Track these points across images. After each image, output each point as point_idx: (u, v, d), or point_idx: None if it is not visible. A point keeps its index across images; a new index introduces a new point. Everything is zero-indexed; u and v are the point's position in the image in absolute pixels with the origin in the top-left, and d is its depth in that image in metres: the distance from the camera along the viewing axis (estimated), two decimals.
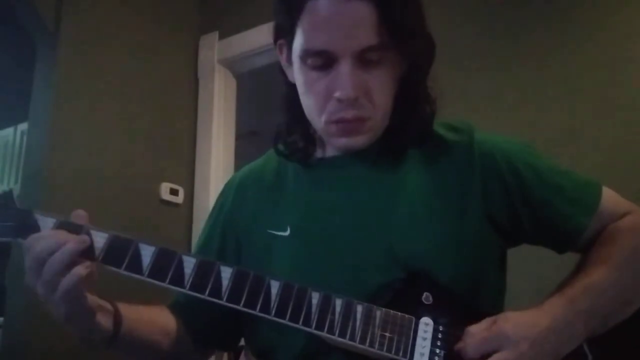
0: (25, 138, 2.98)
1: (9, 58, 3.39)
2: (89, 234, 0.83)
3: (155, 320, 0.96)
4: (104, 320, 0.84)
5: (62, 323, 0.82)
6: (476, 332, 0.80)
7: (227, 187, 1.09)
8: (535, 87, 2.05)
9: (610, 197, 0.95)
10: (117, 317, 0.86)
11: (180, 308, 1.00)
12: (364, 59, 0.85)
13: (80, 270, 0.78)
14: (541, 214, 0.93)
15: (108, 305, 0.86)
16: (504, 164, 0.93)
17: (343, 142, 0.91)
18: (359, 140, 0.90)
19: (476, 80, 2.13)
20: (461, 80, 2.10)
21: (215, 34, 2.90)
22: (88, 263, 0.79)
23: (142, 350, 0.93)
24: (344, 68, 0.85)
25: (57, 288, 0.77)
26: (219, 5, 2.96)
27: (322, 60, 0.86)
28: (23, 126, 3.62)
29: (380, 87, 0.88)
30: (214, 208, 1.09)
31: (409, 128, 0.94)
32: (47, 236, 0.80)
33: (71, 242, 0.79)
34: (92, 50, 2.47)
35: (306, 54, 0.86)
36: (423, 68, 0.92)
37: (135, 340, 0.90)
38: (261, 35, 2.76)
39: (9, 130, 3.86)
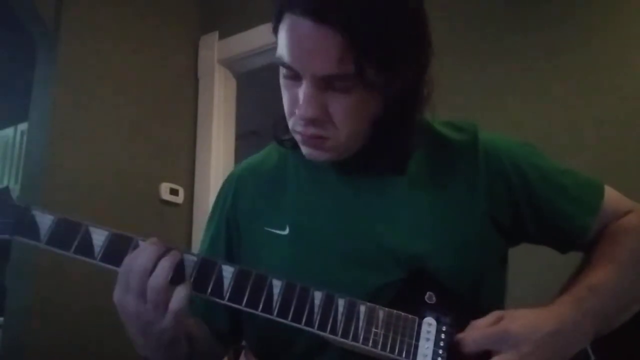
0: (25, 138, 2.97)
1: (9, 58, 3.38)
2: (87, 232, 0.82)
3: (198, 324, 0.97)
4: (184, 346, 0.86)
5: (152, 352, 0.83)
6: (480, 326, 0.80)
7: (227, 182, 1.08)
8: (534, 86, 2.05)
9: (612, 196, 0.95)
10: (189, 341, 0.88)
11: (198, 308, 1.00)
12: (327, 83, 0.81)
13: (184, 290, 0.79)
14: (545, 214, 0.93)
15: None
16: (509, 165, 0.93)
17: (306, 152, 0.89)
18: (320, 156, 0.88)
19: (475, 79, 2.13)
20: (460, 78, 2.10)
21: (215, 34, 2.90)
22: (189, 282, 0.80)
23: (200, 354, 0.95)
24: (305, 88, 0.82)
25: (167, 309, 0.78)
26: (219, 5, 2.96)
27: (291, 73, 0.84)
28: (23, 126, 3.61)
29: (344, 112, 0.83)
30: (215, 206, 1.07)
31: (386, 153, 0.91)
32: (142, 254, 0.80)
33: (170, 257, 0.80)
34: (92, 51, 2.46)
35: (279, 61, 0.85)
36: (404, 104, 0.88)
37: (200, 348, 0.93)
38: (261, 35, 2.76)
39: (9, 130, 3.85)
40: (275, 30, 0.86)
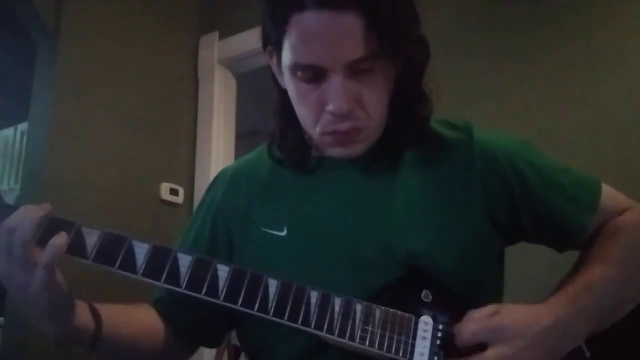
0: (25, 138, 2.98)
1: (9, 58, 3.39)
2: (79, 231, 0.80)
3: (135, 317, 0.94)
4: (85, 319, 0.82)
5: (44, 322, 0.79)
6: (477, 318, 0.80)
7: (219, 179, 1.07)
8: (531, 84, 2.04)
9: (609, 194, 0.95)
10: (96, 317, 0.84)
11: (164, 305, 0.98)
12: (355, 70, 0.82)
13: (58, 239, 0.75)
14: (542, 213, 0.93)
15: (85, 305, 0.84)
16: (506, 164, 0.93)
17: (339, 151, 0.90)
18: (354, 149, 0.89)
19: (473, 77, 2.12)
20: (458, 76, 2.09)
21: (215, 34, 2.90)
22: (64, 234, 0.76)
23: (124, 350, 0.91)
24: (335, 81, 0.82)
25: (37, 265, 0.74)
26: (219, 5, 2.96)
27: (312, 73, 0.84)
28: (23, 126, 3.62)
29: (373, 95, 0.86)
30: (203, 200, 1.06)
31: (406, 129, 0.93)
32: (13, 214, 0.77)
33: (35, 209, 0.77)
34: (92, 51, 2.47)
35: (295, 68, 0.84)
36: (416, 70, 0.90)
37: (116, 339, 0.87)
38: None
39: (9, 130, 3.86)
40: (277, 41, 0.86)
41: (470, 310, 0.81)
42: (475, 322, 0.80)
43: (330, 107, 0.84)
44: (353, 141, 0.88)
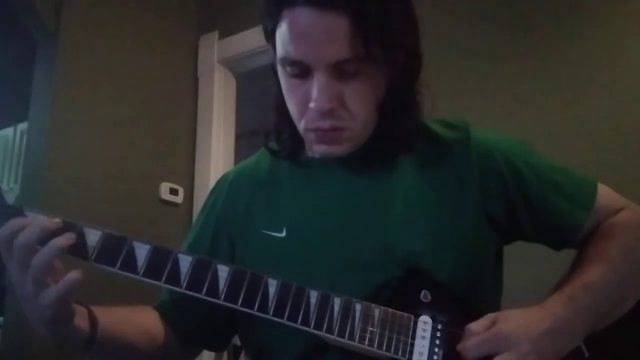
0: (25, 138, 2.98)
1: (9, 58, 3.39)
2: (81, 232, 0.81)
3: (134, 321, 0.94)
4: (81, 324, 0.83)
5: (41, 327, 0.80)
6: (477, 332, 0.80)
7: (220, 184, 1.08)
8: (532, 83, 2.05)
9: (605, 194, 0.96)
10: (92, 321, 0.85)
11: (167, 308, 0.99)
12: (340, 71, 0.83)
13: (74, 274, 0.76)
14: (539, 212, 0.93)
15: (83, 309, 0.85)
16: (503, 163, 0.93)
17: (322, 149, 0.90)
18: (337, 150, 0.89)
19: (474, 76, 2.13)
20: (458, 76, 2.10)
21: (215, 34, 2.91)
22: (79, 271, 0.77)
23: (120, 353, 0.91)
24: (318, 80, 0.83)
25: (49, 287, 0.75)
26: (219, 5, 2.96)
27: (299, 69, 0.85)
28: (23, 126, 3.61)
29: (358, 97, 0.86)
30: (205, 206, 1.07)
31: (393, 135, 0.93)
32: (33, 225, 0.76)
33: (62, 238, 0.77)
34: (92, 51, 2.47)
35: (284, 62, 0.86)
36: (407, 79, 0.90)
37: (112, 343, 0.88)
38: (261, 35, 2.71)
39: (9, 130, 3.85)
40: (272, 34, 0.87)
41: (469, 325, 0.81)
42: (478, 337, 0.79)
43: (312, 105, 0.85)
44: (335, 141, 0.88)
